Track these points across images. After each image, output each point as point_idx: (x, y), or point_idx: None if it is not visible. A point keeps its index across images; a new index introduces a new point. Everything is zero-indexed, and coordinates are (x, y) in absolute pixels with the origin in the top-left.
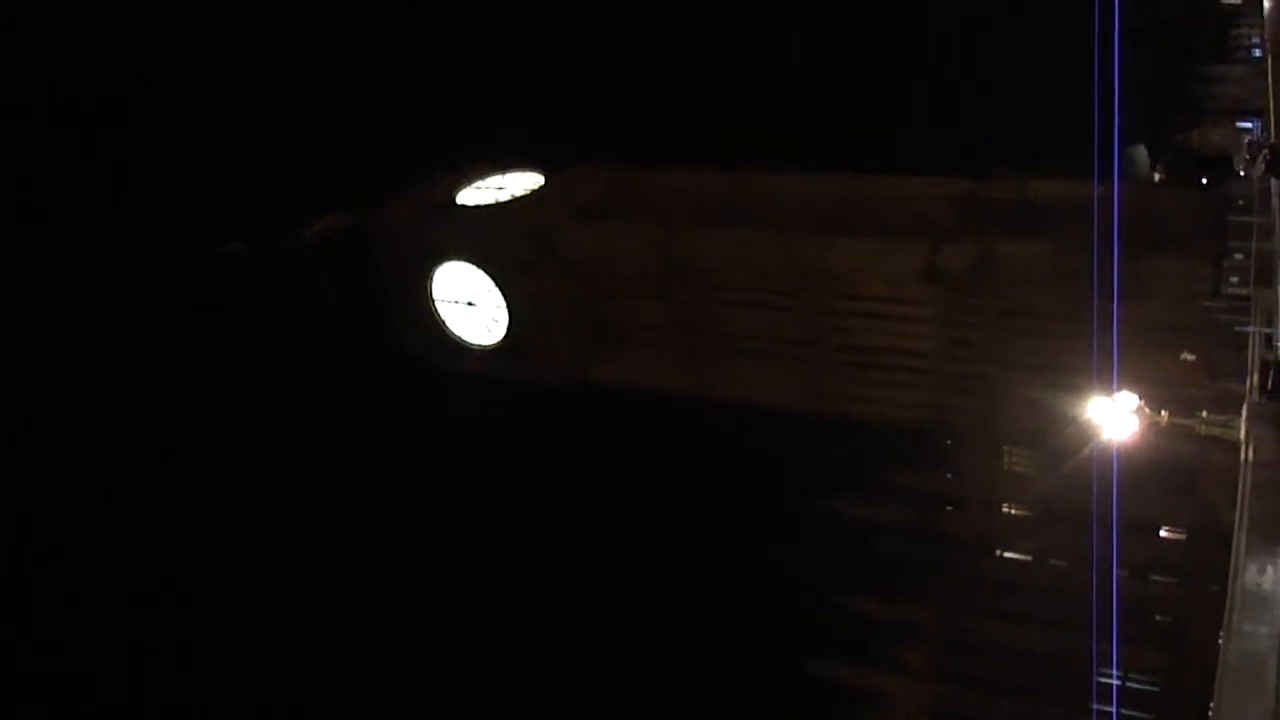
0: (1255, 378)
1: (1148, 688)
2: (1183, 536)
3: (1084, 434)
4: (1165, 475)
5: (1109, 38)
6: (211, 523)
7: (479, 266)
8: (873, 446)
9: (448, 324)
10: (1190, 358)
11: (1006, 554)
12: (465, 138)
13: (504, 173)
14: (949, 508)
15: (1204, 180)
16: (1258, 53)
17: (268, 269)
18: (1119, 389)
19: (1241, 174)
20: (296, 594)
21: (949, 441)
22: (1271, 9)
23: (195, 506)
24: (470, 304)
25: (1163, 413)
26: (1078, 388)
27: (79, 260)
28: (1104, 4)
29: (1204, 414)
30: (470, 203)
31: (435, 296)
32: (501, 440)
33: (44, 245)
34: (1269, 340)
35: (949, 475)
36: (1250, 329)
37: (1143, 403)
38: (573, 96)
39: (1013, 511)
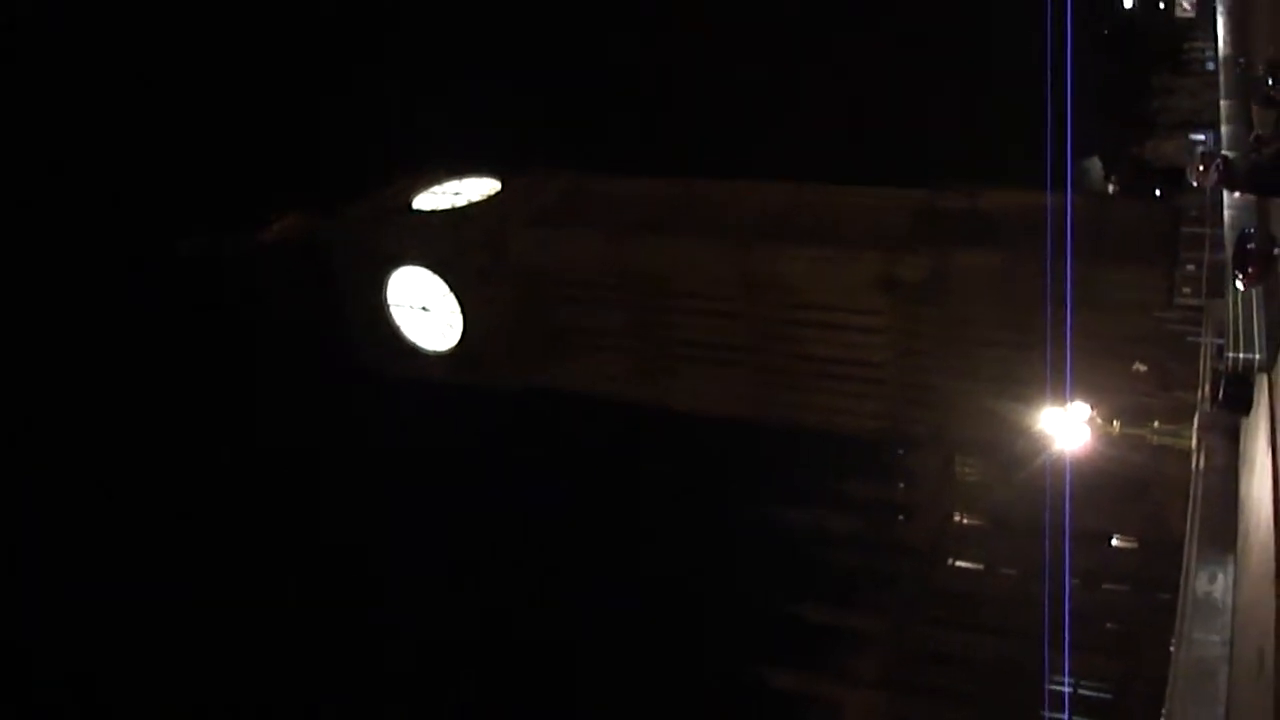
0: (1207, 388)
1: (1099, 695)
2: (1134, 545)
3: (1037, 444)
4: (1117, 484)
5: (1062, 49)
6: (157, 524)
7: (434, 272)
8: (826, 456)
9: (402, 329)
10: (1143, 368)
11: (959, 563)
12: (423, 143)
13: (460, 179)
14: (901, 517)
15: (1157, 192)
16: (1211, 65)
17: (222, 268)
18: (1072, 399)
19: (1194, 185)
20: (240, 598)
21: (901, 451)
22: (1226, 22)
23: (139, 509)
24: (425, 309)
25: (1115, 423)
26: (1031, 398)
27: (31, 255)
28: (1057, 16)
29: (1156, 424)
30: (427, 208)
31: (390, 301)
32: (453, 445)
33: None
34: (1220, 351)
35: (901, 485)
36: (1202, 339)
37: (1095, 413)
38: (531, 103)
39: (965, 521)
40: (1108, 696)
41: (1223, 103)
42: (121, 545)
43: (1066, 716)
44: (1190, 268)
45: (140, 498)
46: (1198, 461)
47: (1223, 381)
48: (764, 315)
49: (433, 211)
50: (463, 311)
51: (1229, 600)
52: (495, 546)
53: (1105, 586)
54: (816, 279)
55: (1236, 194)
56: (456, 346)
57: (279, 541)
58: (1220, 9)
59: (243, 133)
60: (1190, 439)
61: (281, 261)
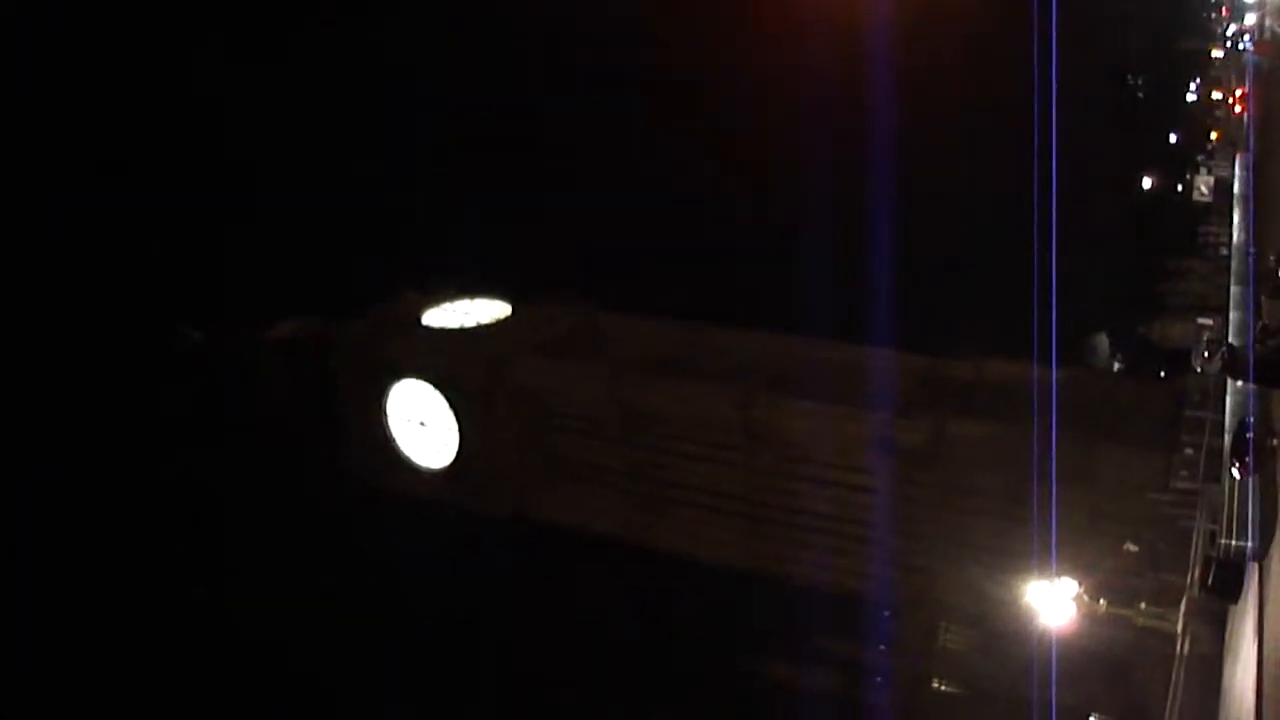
0: (1196, 573)
1: None
2: None
3: (1022, 616)
4: (1099, 663)
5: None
6: (136, 623)
7: (435, 388)
8: (809, 610)
9: (398, 442)
10: (1133, 548)
11: None
12: (438, 259)
13: (472, 299)
14: (879, 679)
15: (1162, 373)
16: (1224, 251)
17: (226, 364)
18: (1060, 574)
19: (1199, 370)
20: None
21: (886, 613)
22: (1240, 210)
23: (118, 603)
24: (423, 424)
25: (1101, 601)
26: (1020, 570)
27: (32, 338)
28: (1074, 193)
29: (1143, 605)
30: (435, 324)
31: (389, 413)
32: (434, 566)
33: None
34: (1213, 537)
35: (882, 647)
36: (1195, 524)
37: (1082, 589)
38: (551, 233)
39: (944, 689)
40: None
41: (1232, 289)
42: (97, 639)
43: None
44: (1189, 451)
45: (117, 579)
46: (1182, 646)
47: (1213, 567)
48: (760, 466)
49: (440, 328)
50: (460, 431)
51: None
52: (465, 675)
53: None
54: (815, 435)
55: (1239, 382)
56: (451, 465)
57: (247, 642)
58: (1236, 197)
59: (264, 231)
60: (1176, 623)
61: (283, 362)
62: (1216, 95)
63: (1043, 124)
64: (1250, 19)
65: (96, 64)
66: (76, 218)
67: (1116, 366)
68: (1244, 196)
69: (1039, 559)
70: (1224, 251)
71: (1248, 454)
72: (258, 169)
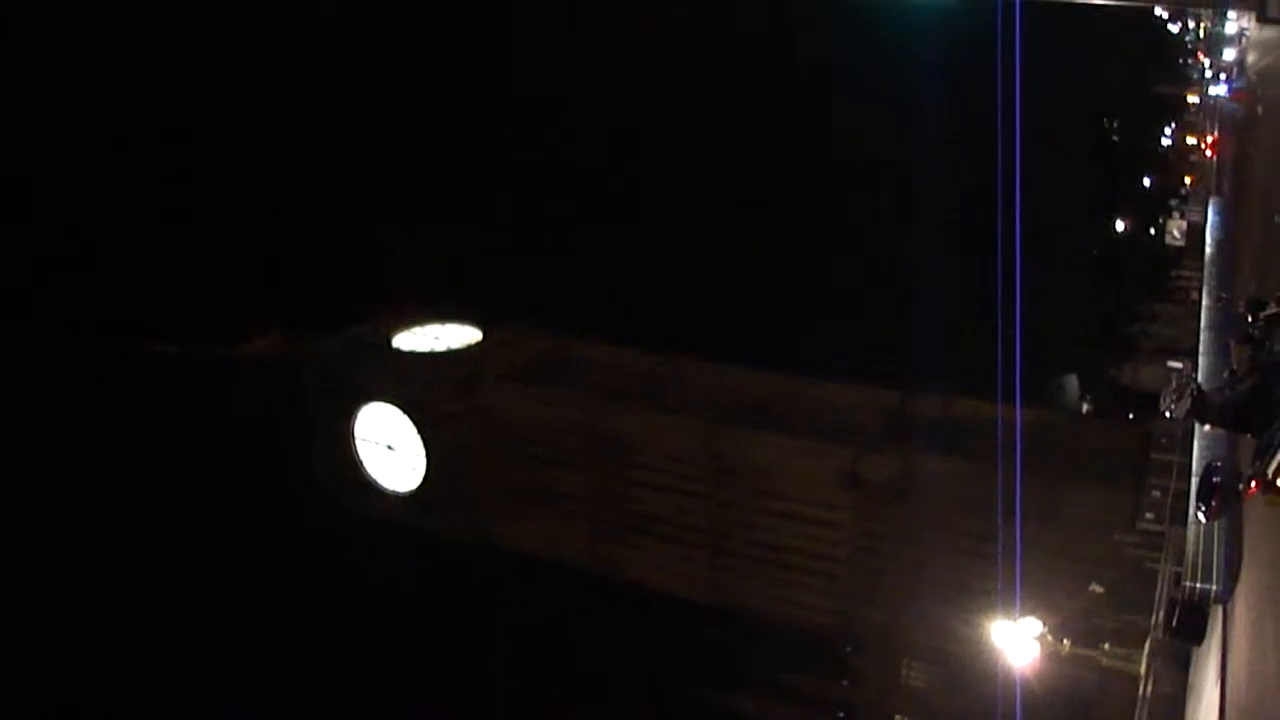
0: (1161, 614)
1: None
2: None
3: (986, 655)
4: (1062, 703)
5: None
6: (96, 643)
7: (403, 411)
8: (772, 645)
9: (365, 464)
10: (1099, 589)
11: None
12: (411, 282)
13: (443, 323)
14: (841, 715)
15: (1130, 415)
16: (1195, 296)
17: (197, 378)
18: (1024, 614)
19: (1167, 415)
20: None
21: (850, 649)
22: (1213, 255)
23: (79, 623)
24: (390, 448)
25: (1065, 641)
26: (984, 608)
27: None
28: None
29: (1107, 645)
30: (405, 347)
31: (357, 434)
32: (396, 588)
33: None
34: (1178, 579)
35: (845, 682)
36: (1161, 566)
37: (1046, 629)
38: (527, 259)
39: None
40: None
41: (1203, 333)
42: (56, 658)
43: None
44: (1155, 493)
45: (77, 595)
46: (1145, 687)
47: (1178, 609)
48: (726, 498)
49: (410, 351)
50: (427, 455)
51: None
52: (421, 700)
53: None
54: (782, 468)
55: (1207, 426)
56: (417, 489)
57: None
58: (1210, 243)
59: (240, 246)
60: (1140, 664)
61: (254, 378)
62: (1191, 140)
63: (1010, 164)
64: (1229, 53)
65: (76, 76)
66: (52, 230)
67: (1085, 408)
68: (1216, 242)
69: (1003, 597)
70: (1195, 296)
71: (1214, 498)
72: (232, 185)
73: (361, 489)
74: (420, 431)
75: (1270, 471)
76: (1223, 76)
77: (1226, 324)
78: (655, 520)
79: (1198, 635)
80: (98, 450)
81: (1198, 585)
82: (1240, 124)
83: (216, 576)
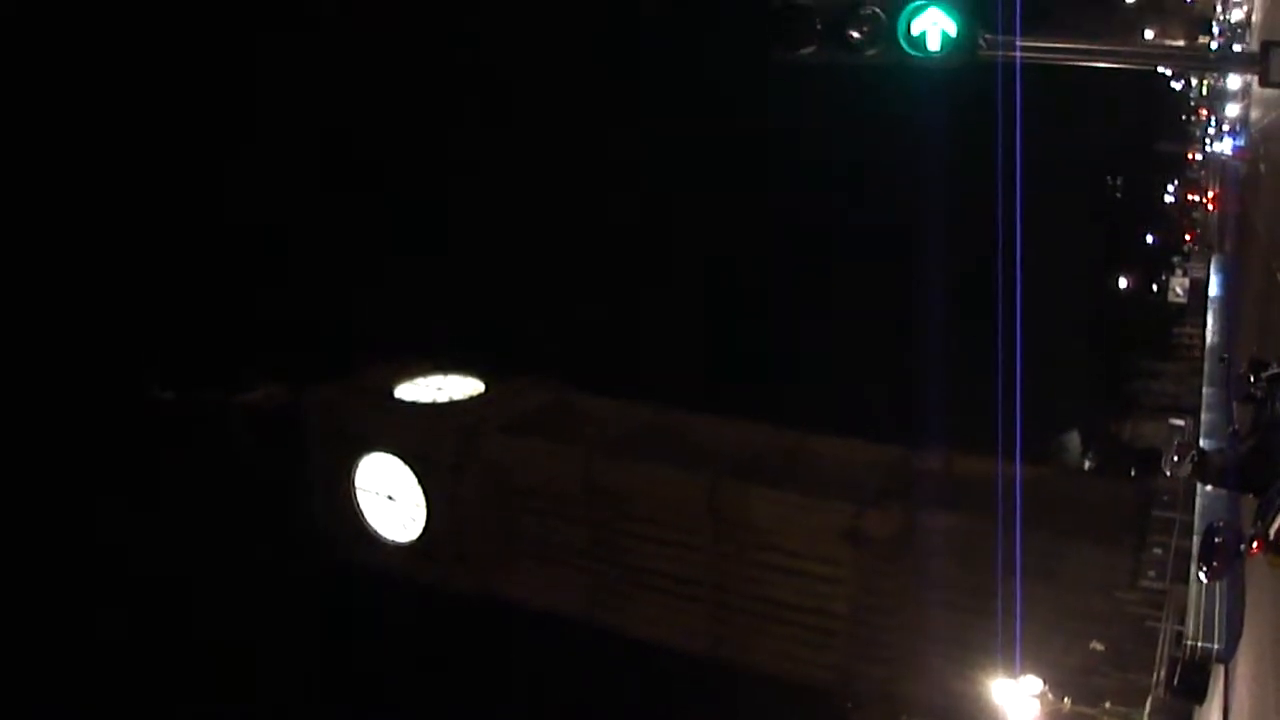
0: (1162, 673)
1: None
2: None
3: (986, 713)
4: None
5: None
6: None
7: (404, 461)
8: (771, 700)
9: (366, 514)
10: (1099, 646)
11: None
12: (413, 332)
13: (445, 374)
14: None
15: (1132, 472)
16: (1198, 353)
17: (198, 425)
18: (1024, 671)
19: (1168, 474)
20: None
21: (849, 705)
22: (1215, 314)
23: (77, 667)
24: (391, 498)
25: (1066, 699)
26: (984, 665)
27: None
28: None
29: (1107, 704)
30: (406, 397)
31: (357, 485)
32: (396, 639)
33: None
34: (1180, 638)
35: None
36: (1162, 624)
37: (1046, 687)
38: (531, 313)
39: None
40: None
41: (1205, 391)
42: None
43: None
44: (1157, 551)
45: (72, 642)
46: None
47: (1179, 668)
48: (727, 552)
49: (411, 401)
50: (428, 506)
51: None
52: None
53: None
54: (784, 523)
55: (1209, 486)
56: (417, 540)
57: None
58: (1211, 302)
59: (239, 295)
60: None
61: (255, 426)
62: (1193, 197)
63: (1012, 222)
64: (1232, 109)
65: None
66: (52, 276)
67: (1087, 464)
68: (1219, 299)
69: (1004, 654)
70: (1197, 353)
71: (1216, 558)
72: (233, 231)
73: (361, 539)
74: (421, 482)
75: (1272, 532)
76: (1226, 130)
77: (1229, 384)
78: (656, 573)
79: (1199, 694)
80: (97, 497)
81: (1199, 644)
82: (1243, 180)
83: (215, 624)
